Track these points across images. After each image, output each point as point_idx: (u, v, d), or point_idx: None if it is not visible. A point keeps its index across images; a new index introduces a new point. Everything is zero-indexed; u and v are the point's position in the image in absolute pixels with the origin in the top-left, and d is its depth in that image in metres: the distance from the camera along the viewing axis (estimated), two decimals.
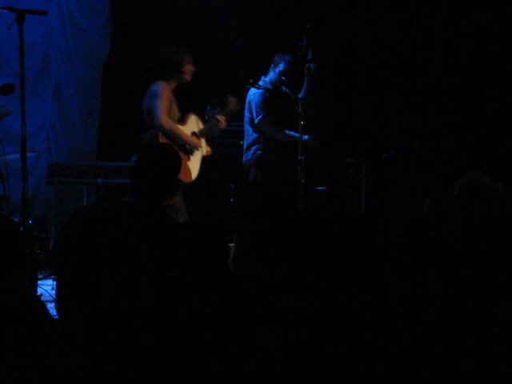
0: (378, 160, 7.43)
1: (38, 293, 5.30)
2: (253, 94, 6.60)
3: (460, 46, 7.69)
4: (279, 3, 8.29)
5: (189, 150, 5.82)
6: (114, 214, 3.22)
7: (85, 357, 2.60)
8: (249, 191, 6.67)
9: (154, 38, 7.00)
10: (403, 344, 2.26)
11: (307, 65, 6.67)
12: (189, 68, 5.75)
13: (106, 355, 2.62)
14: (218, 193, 7.53)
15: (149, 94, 5.67)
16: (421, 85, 7.80)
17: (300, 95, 6.52)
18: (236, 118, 7.10)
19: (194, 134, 5.88)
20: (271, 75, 6.62)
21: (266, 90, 6.45)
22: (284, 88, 6.66)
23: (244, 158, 6.71)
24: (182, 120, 5.82)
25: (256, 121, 6.58)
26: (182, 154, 5.70)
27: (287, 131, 6.60)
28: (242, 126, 6.80)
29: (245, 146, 6.72)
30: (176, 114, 5.76)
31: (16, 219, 5.22)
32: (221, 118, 5.96)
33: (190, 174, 5.85)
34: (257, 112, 6.57)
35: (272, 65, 6.63)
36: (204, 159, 6.02)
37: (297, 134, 6.09)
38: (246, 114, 6.68)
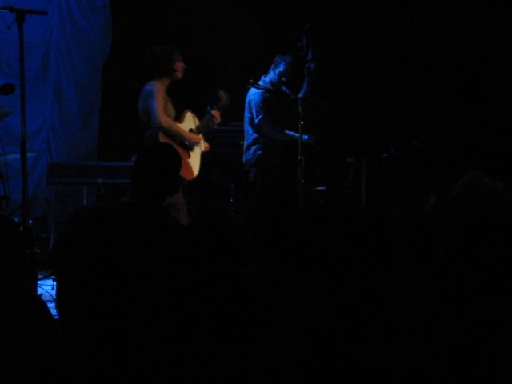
0: (378, 160, 7.42)
1: (38, 293, 5.30)
2: (253, 93, 6.61)
3: (460, 45, 7.68)
4: (279, 3, 8.29)
5: (188, 147, 5.87)
6: (114, 214, 3.22)
7: (85, 357, 2.60)
8: (249, 191, 6.67)
9: (153, 38, 6.99)
10: (403, 344, 2.26)
11: (307, 65, 6.67)
12: (179, 65, 5.81)
13: (106, 355, 2.62)
14: (218, 193, 7.53)
15: (143, 95, 5.72)
16: (421, 85, 7.80)
17: (300, 95, 6.53)
18: (236, 118, 7.10)
19: (191, 130, 5.93)
20: (271, 75, 6.62)
21: (266, 90, 6.46)
22: (284, 88, 6.66)
23: (244, 158, 6.71)
24: (179, 118, 5.87)
25: (256, 121, 6.59)
26: (182, 152, 5.74)
27: (287, 131, 6.60)
28: (242, 126, 6.81)
29: (245, 146, 6.72)
30: (171, 112, 5.80)
31: (16, 219, 5.22)
32: (215, 113, 6.01)
33: (192, 171, 5.90)
34: (257, 112, 6.57)
35: (272, 65, 6.63)
36: (203, 156, 6.06)
37: (297, 134, 6.09)
38: (246, 114, 6.68)
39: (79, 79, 7.95)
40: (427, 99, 7.76)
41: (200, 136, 6.01)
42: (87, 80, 8.02)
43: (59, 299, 3.11)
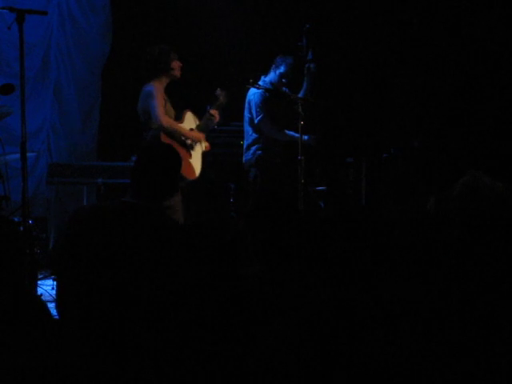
0: (378, 160, 7.43)
1: (38, 293, 5.30)
2: (253, 93, 6.61)
3: (460, 45, 7.68)
4: (279, 3, 8.29)
5: (190, 147, 5.88)
6: (114, 214, 3.22)
7: (85, 357, 2.60)
8: (249, 191, 6.68)
9: (153, 38, 6.99)
10: (403, 344, 2.26)
11: (307, 65, 6.68)
12: (176, 64, 5.82)
13: (106, 355, 2.62)
14: (218, 193, 7.53)
15: (143, 95, 5.73)
16: (421, 85, 7.80)
17: (300, 95, 6.53)
18: (236, 118, 7.10)
19: (191, 130, 5.94)
20: (271, 76, 6.62)
21: (266, 90, 6.46)
22: (284, 88, 6.66)
23: (244, 158, 6.72)
24: (179, 118, 5.88)
25: (256, 121, 6.59)
26: (184, 152, 5.76)
27: (287, 131, 6.60)
28: (242, 126, 6.81)
29: (245, 146, 6.73)
30: (171, 112, 5.82)
31: (16, 219, 5.22)
32: (214, 112, 6.02)
33: (194, 171, 5.92)
34: (257, 112, 6.57)
35: (273, 66, 6.64)
36: (203, 156, 6.07)
37: (297, 134, 6.09)
38: (246, 114, 6.68)
39: (79, 79, 7.94)
40: (427, 99, 7.76)
41: (201, 135, 6.02)
42: (87, 80, 8.02)
43: (59, 299, 3.11)
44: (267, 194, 6.45)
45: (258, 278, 2.75)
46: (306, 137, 6.23)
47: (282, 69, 6.57)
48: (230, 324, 2.53)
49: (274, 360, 2.26)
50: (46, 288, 5.68)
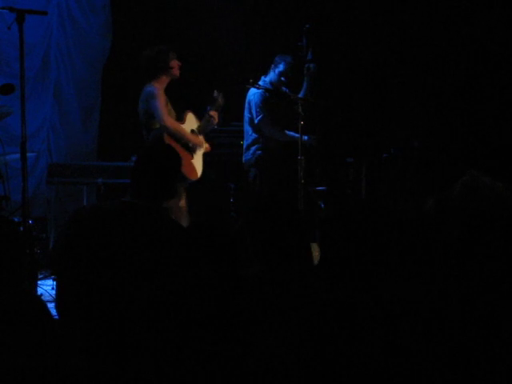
0: (378, 160, 7.43)
1: (38, 293, 5.30)
2: (253, 93, 6.61)
3: (460, 45, 7.68)
4: (279, 3, 8.29)
5: (192, 149, 5.90)
6: (114, 214, 3.22)
7: (85, 357, 2.60)
8: (249, 191, 6.68)
9: (153, 38, 6.99)
10: (403, 344, 2.26)
11: (307, 65, 6.68)
12: (175, 63, 5.83)
13: (106, 355, 2.62)
14: (217, 193, 7.53)
15: (144, 96, 5.73)
16: (421, 85, 7.80)
17: (300, 95, 6.53)
18: (236, 118, 7.10)
19: (192, 131, 5.96)
20: (271, 75, 6.63)
21: (266, 90, 6.46)
22: (284, 88, 6.66)
23: (244, 158, 6.72)
24: (181, 118, 5.89)
25: (256, 121, 6.59)
26: (186, 153, 5.78)
27: (287, 131, 6.60)
28: (242, 126, 6.81)
29: (244, 146, 6.73)
30: (172, 112, 5.82)
31: (16, 219, 5.22)
32: (213, 113, 6.02)
33: (196, 171, 5.95)
34: (256, 112, 6.58)
35: (272, 65, 6.64)
36: (204, 156, 6.09)
37: (297, 134, 6.09)
38: (246, 114, 6.69)
39: (79, 79, 7.94)
40: (427, 99, 7.76)
41: (202, 139, 6.04)
42: (87, 80, 8.02)
43: (59, 299, 3.11)
44: (267, 193, 6.45)
45: (257, 277, 2.75)
46: (305, 137, 6.23)
47: (281, 67, 6.58)
48: (230, 324, 2.53)
49: (274, 360, 2.26)
50: (46, 288, 5.68)
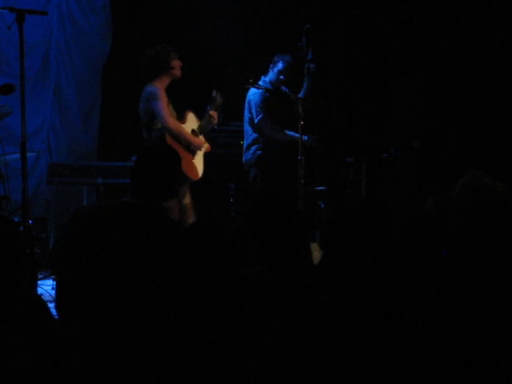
0: (378, 160, 7.43)
1: (38, 293, 5.30)
2: (253, 93, 6.61)
3: (460, 45, 7.68)
4: (279, 3, 8.29)
5: (193, 149, 5.91)
6: (114, 214, 3.22)
7: (85, 357, 2.60)
8: (249, 191, 6.68)
9: (153, 38, 6.99)
10: (403, 344, 2.26)
11: (307, 65, 6.68)
12: (176, 63, 5.82)
13: (106, 355, 2.62)
14: (218, 193, 7.53)
15: (145, 96, 5.72)
16: (421, 85, 7.80)
17: (300, 95, 6.53)
18: (236, 118, 7.10)
19: (193, 131, 5.96)
20: (270, 75, 6.63)
21: (266, 89, 6.46)
22: (284, 88, 6.66)
23: (244, 158, 6.72)
24: (181, 118, 5.89)
25: (256, 121, 6.59)
26: (187, 153, 5.79)
27: (287, 131, 6.60)
28: (242, 126, 6.81)
29: (245, 146, 6.73)
30: (173, 112, 5.82)
31: (16, 219, 5.22)
32: (213, 113, 6.02)
33: (197, 171, 5.95)
34: (256, 112, 6.58)
35: (271, 65, 6.64)
36: (205, 156, 6.10)
37: (297, 134, 6.09)
38: (246, 114, 6.69)
39: (79, 79, 7.94)
40: (427, 99, 7.76)
41: (203, 139, 6.05)
42: (87, 80, 8.02)
43: (59, 299, 3.11)
44: (267, 193, 6.45)
45: (257, 277, 2.75)
46: (305, 137, 6.23)
47: (279, 66, 6.58)
48: (230, 324, 2.53)
49: (274, 360, 2.26)
50: (46, 288, 5.68)
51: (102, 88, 8.12)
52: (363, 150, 7.55)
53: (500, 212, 2.74)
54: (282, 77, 6.58)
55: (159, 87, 5.70)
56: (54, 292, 5.22)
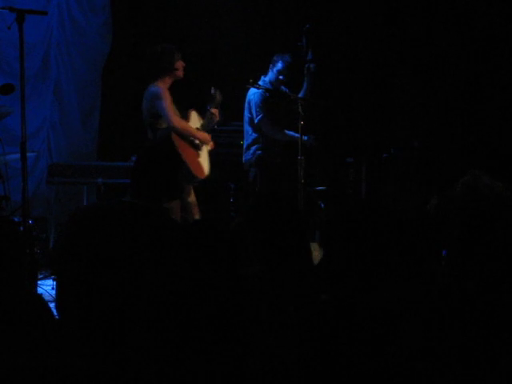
0: (378, 160, 7.43)
1: (38, 293, 5.30)
2: (252, 93, 6.62)
3: (460, 45, 7.68)
4: (279, 3, 8.29)
5: (198, 146, 5.89)
6: (114, 214, 3.22)
7: (85, 357, 2.59)
8: (249, 191, 6.68)
9: (153, 38, 6.99)
10: (403, 344, 2.26)
11: (307, 65, 6.68)
12: (180, 64, 5.80)
13: (106, 355, 2.61)
14: (217, 193, 7.53)
15: (149, 96, 5.70)
16: (421, 85, 7.80)
17: (300, 95, 6.53)
18: (236, 118, 7.10)
19: (197, 129, 5.96)
20: (270, 75, 6.63)
21: (266, 89, 6.47)
22: (284, 88, 6.66)
23: (244, 158, 6.72)
24: (184, 117, 5.88)
25: (256, 121, 6.59)
26: (192, 151, 5.78)
27: (287, 131, 6.60)
28: (242, 126, 6.81)
29: (245, 146, 6.73)
30: (177, 111, 5.81)
31: (16, 219, 5.22)
32: (214, 110, 6.01)
33: (203, 170, 5.94)
34: (256, 112, 6.58)
35: (271, 65, 6.64)
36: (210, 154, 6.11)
37: (297, 134, 6.09)
38: (246, 114, 6.69)
39: (79, 79, 7.94)
40: (427, 99, 7.76)
41: (209, 134, 6.05)
42: (87, 80, 8.02)
43: (59, 299, 3.10)
44: (267, 193, 6.45)
45: (257, 277, 2.75)
46: (305, 137, 6.23)
47: (278, 66, 6.58)
48: (230, 324, 2.53)
49: (274, 360, 2.26)
50: (46, 288, 5.68)
51: (101, 88, 8.12)
52: (363, 149, 7.55)
53: (500, 212, 2.75)
54: (281, 77, 6.58)
55: (163, 87, 5.69)
56: (54, 292, 5.22)
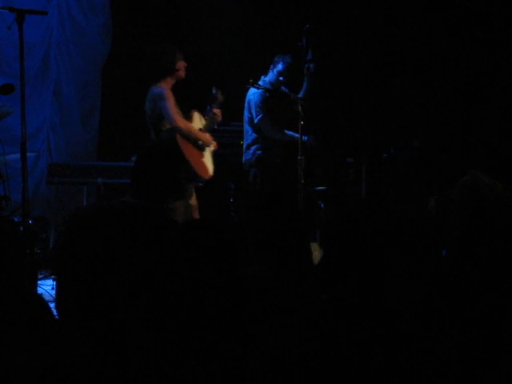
0: (378, 160, 7.43)
1: (38, 293, 5.30)
2: (252, 93, 6.62)
3: (460, 46, 7.69)
4: (279, 3, 8.29)
5: (201, 147, 5.89)
6: (114, 214, 3.22)
7: (85, 357, 2.59)
8: (249, 191, 6.68)
9: (153, 38, 6.99)
10: (403, 344, 2.26)
11: (307, 65, 6.68)
12: (181, 64, 5.78)
13: (106, 355, 2.61)
14: (218, 193, 7.53)
15: (153, 97, 5.67)
16: (421, 85, 7.80)
17: (300, 95, 6.53)
18: (236, 118, 7.11)
19: (200, 130, 5.96)
20: (270, 76, 6.64)
21: (266, 89, 6.47)
22: (284, 88, 6.66)
23: (244, 158, 6.72)
24: (188, 118, 5.87)
25: (255, 121, 6.59)
26: (196, 152, 5.77)
27: (287, 131, 6.60)
28: (242, 126, 6.81)
29: (244, 146, 6.73)
30: (180, 112, 5.80)
31: (16, 219, 5.22)
32: (216, 111, 6.00)
33: (207, 170, 5.92)
34: (256, 112, 6.58)
35: (271, 65, 6.65)
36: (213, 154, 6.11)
37: (296, 134, 6.09)
38: (246, 114, 6.69)
39: (79, 79, 7.95)
40: (427, 99, 7.76)
41: (211, 135, 6.04)
42: (87, 80, 8.02)
43: (59, 299, 3.10)
44: (267, 193, 6.45)
45: (257, 277, 2.75)
46: (305, 137, 6.23)
47: (279, 67, 6.58)
48: (230, 324, 2.53)
49: (274, 360, 2.26)
50: (46, 288, 5.68)
51: (101, 88, 8.12)
52: (363, 149, 7.55)
53: (500, 212, 2.75)
54: (281, 78, 6.59)
55: (165, 88, 5.66)
56: (54, 292, 5.22)
